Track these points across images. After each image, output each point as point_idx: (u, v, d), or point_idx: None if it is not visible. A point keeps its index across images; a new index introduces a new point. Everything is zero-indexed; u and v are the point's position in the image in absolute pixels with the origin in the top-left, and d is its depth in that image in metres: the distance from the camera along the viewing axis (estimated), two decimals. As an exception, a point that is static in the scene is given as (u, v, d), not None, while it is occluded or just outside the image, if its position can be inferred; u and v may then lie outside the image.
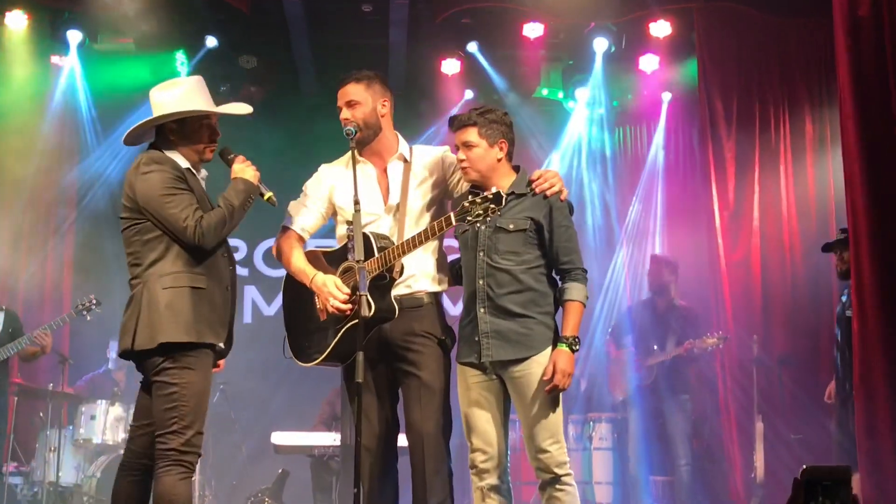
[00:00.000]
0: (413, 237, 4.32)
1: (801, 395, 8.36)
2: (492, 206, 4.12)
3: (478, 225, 4.36)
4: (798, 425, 8.37)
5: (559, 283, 4.53)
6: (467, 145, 4.45)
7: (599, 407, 8.99)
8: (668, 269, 8.74)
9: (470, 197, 4.24)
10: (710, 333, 8.41)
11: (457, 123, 4.48)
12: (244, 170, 4.46)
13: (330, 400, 9.36)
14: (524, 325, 4.42)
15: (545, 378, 4.35)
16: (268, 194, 4.49)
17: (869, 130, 6.47)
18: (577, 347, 4.39)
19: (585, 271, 4.52)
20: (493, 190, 4.16)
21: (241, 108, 4.59)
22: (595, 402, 9.17)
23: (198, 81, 4.48)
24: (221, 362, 4.63)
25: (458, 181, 4.69)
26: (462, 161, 4.46)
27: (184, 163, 4.37)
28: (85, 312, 8.08)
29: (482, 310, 4.46)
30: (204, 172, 4.51)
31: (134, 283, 4.30)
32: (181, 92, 4.38)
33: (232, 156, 4.52)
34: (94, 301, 8.08)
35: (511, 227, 4.45)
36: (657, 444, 8.49)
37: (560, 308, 4.50)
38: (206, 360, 4.26)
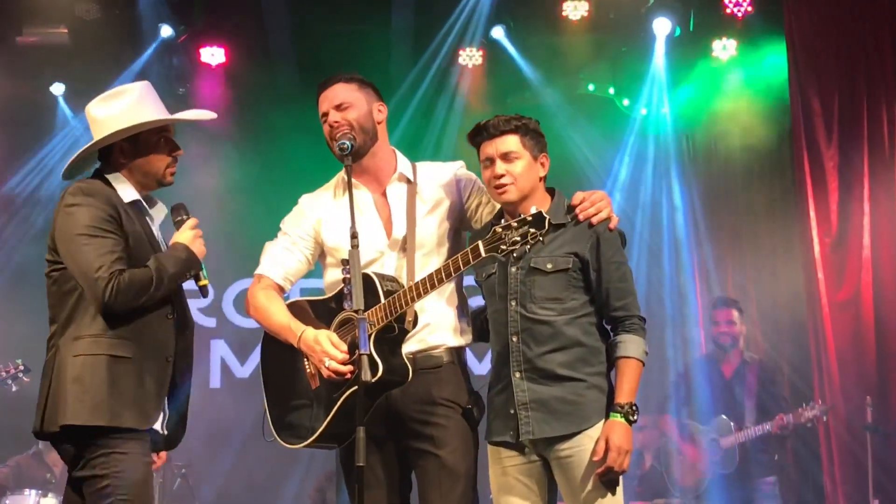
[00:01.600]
0: (429, 276, 4.29)
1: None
2: (531, 230, 4.08)
3: (509, 264, 4.35)
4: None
5: (611, 334, 4.52)
6: (508, 157, 4.42)
7: (669, 491, 8.93)
8: (740, 316, 8.71)
9: (503, 221, 4.22)
10: (810, 404, 8.34)
11: (491, 131, 4.45)
12: (192, 240, 4.45)
13: (319, 487, 9.35)
14: (573, 392, 4.39)
15: (596, 458, 4.32)
16: (203, 280, 4.50)
17: None
18: (635, 418, 4.36)
19: (643, 319, 4.49)
20: (533, 210, 4.12)
21: (202, 114, 4.62)
22: (664, 485, 9.10)
23: (145, 87, 4.51)
24: (163, 454, 4.62)
25: (478, 206, 4.70)
26: (500, 177, 4.41)
27: (131, 194, 4.37)
28: (10, 382, 8.08)
29: (518, 374, 4.42)
30: (161, 209, 4.52)
31: (49, 345, 4.31)
32: (128, 102, 4.40)
33: (184, 217, 4.52)
34: (22, 367, 8.09)
35: (549, 266, 4.42)
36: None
37: (613, 364, 4.47)
38: (137, 445, 4.22)
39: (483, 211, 4.69)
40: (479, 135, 4.48)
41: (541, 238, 4.10)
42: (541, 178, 4.50)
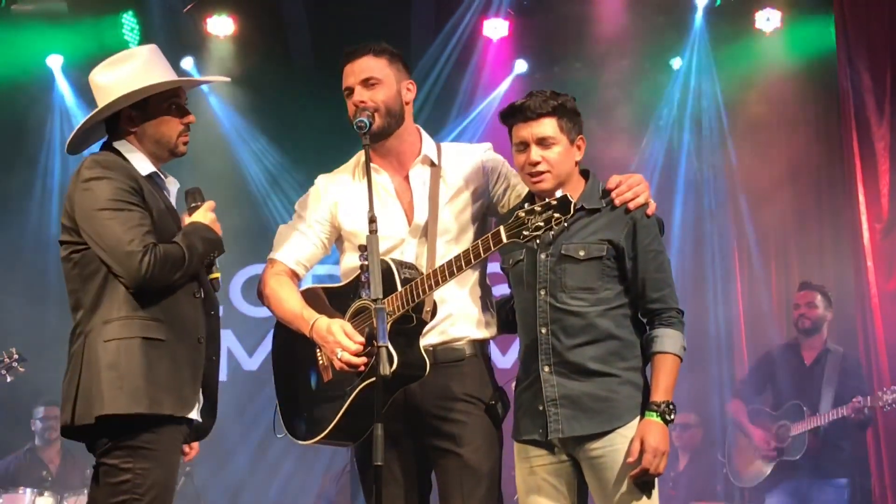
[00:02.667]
0: (448, 262, 4.29)
1: None
2: (556, 215, 4.06)
3: (537, 250, 4.35)
4: None
5: (647, 328, 4.51)
6: (545, 143, 4.39)
7: (709, 493, 8.92)
8: (824, 301, 8.66)
9: (526, 205, 4.22)
10: (887, 388, 8.29)
11: (528, 113, 4.41)
12: (213, 224, 4.44)
13: (323, 492, 9.39)
14: (606, 388, 4.38)
15: (631, 459, 4.30)
16: (216, 273, 4.50)
17: None
18: (672, 417, 4.34)
19: (682, 312, 4.48)
20: (558, 194, 4.10)
21: (214, 77, 4.63)
22: (702, 487, 9.09)
23: (153, 51, 4.48)
24: (195, 444, 4.62)
25: (505, 191, 4.69)
26: (536, 164, 4.39)
27: (147, 167, 4.35)
28: (4, 372, 8.12)
29: (547, 368, 4.42)
30: (174, 183, 4.50)
31: (75, 333, 4.27)
32: (134, 67, 4.37)
33: (199, 203, 4.50)
34: (17, 357, 8.12)
35: (582, 254, 4.40)
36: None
37: (648, 359, 4.46)
38: (170, 438, 4.23)
39: (511, 195, 4.68)
40: (514, 116, 4.44)
41: (565, 223, 4.09)
42: (576, 163, 4.49)
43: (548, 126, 4.38)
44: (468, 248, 4.28)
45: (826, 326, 8.60)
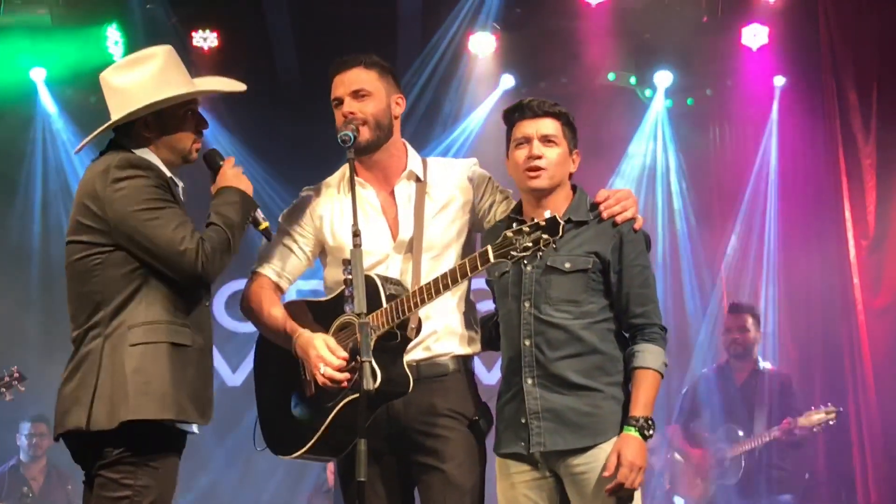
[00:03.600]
0: (434, 280, 4.28)
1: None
2: (544, 236, 4.06)
3: (523, 263, 4.35)
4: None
5: (629, 342, 4.50)
6: (547, 139, 4.43)
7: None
8: (754, 320, 8.72)
9: (514, 225, 4.22)
10: (815, 407, 8.35)
11: (535, 110, 4.44)
12: (239, 178, 4.42)
13: (314, 502, 9.39)
14: (589, 402, 4.38)
15: (607, 473, 4.30)
16: (264, 224, 4.49)
17: None
18: (651, 433, 4.35)
19: (665, 329, 4.48)
20: (547, 214, 4.11)
21: (232, 84, 4.60)
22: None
23: (169, 53, 4.41)
24: None
25: (491, 206, 4.69)
26: (536, 158, 4.41)
27: (164, 168, 4.31)
28: (4, 390, 8.08)
29: (530, 380, 4.42)
30: (180, 182, 4.44)
31: (90, 335, 4.19)
32: (152, 71, 4.30)
33: (222, 161, 4.49)
34: (18, 375, 8.09)
35: (567, 266, 4.41)
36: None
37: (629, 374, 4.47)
38: (174, 457, 4.22)
39: (497, 210, 4.68)
40: (519, 112, 4.48)
41: (554, 245, 4.09)
42: (571, 174, 4.52)
43: (552, 125, 4.43)
44: (455, 267, 4.28)
45: (756, 348, 8.65)
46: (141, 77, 4.29)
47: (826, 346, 9.28)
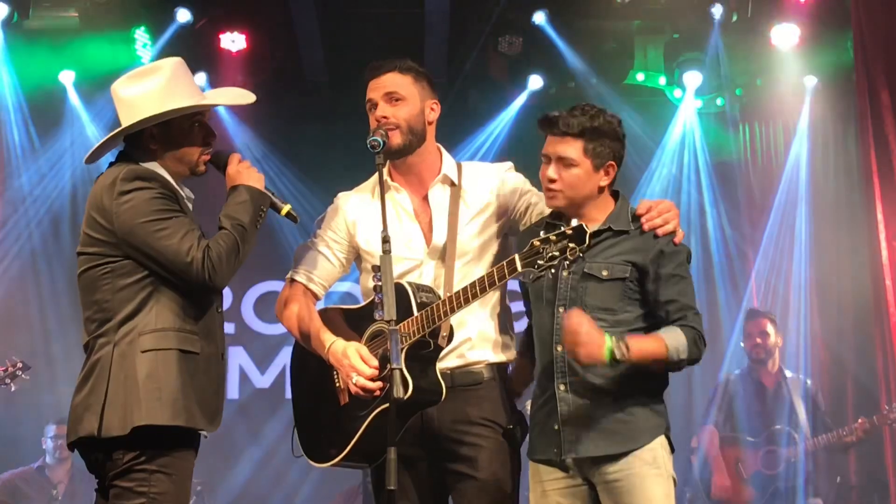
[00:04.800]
0: (465, 288, 4.29)
1: None
2: (571, 245, 4.06)
3: (560, 268, 4.32)
4: None
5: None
6: (564, 162, 4.37)
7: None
8: (774, 327, 8.73)
9: (542, 233, 4.19)
10: (893, 405, 8.32)
11: (561, 128, 4.37)
12: (246, 173, 4.42)
13: (346, 499, 9.39)
14: (622, 409, 4.38)
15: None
16: (285, 207, 4.48)
17: None
18: (624, 356, 4.16)
19: (702, 337, 4.38)
20: (574, 223, 4.10)
21: (242, 96, 4.61)
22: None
23: (179, 65, 4.44)
24: None
25: (527, 209, 4.67)
26: (551, 182, 4.39)
27: (170, 179, 4.32)
28: (8, 381, 8.11)
29: (562, 387, 4.41)
30: (188, 192, 4.45)
31: (99, 342, 4.22)
32: (159, 82, 4.33)
33: (225, 156, 4.48)
34: (21, 365, 8.12)
35: (605, 273, 4.39)
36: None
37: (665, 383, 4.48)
38: (188, 461, 4.22)
39: (532, 212, 4.67)
40: (545, 126, 4.43)
41: (581, 254, 4.09)
42: (601, 188, 4.45)
43: (572, 148, 4.35)
44: (484, 276, 4.28)
45: (777, 352, 8.64)
46: (148, 89, 4.32)
47: (858, 350, 9.24)
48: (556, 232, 4.10)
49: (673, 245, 4.42)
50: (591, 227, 4.28)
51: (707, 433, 8.86)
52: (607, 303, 4.40)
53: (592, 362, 4.21)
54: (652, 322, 4.42)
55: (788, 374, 8.75)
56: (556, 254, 4.07)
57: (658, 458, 4.36)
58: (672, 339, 4.29)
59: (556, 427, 4.41)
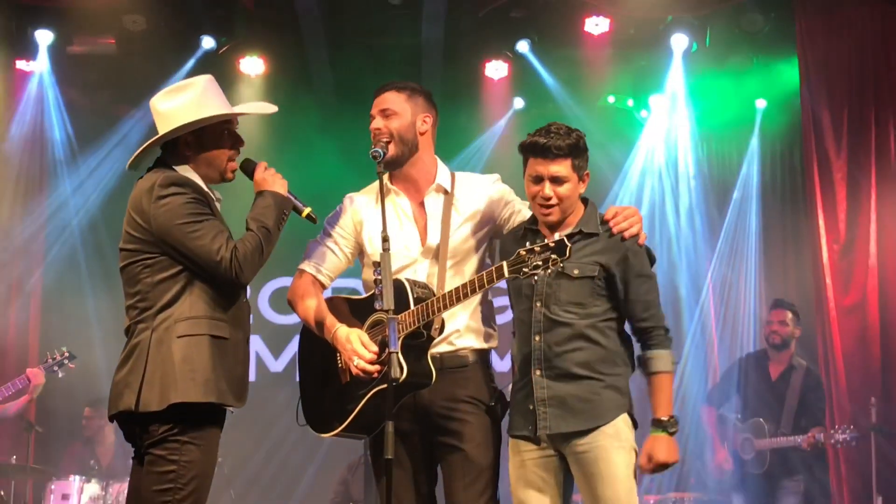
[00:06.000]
0: (457, 289, 4.33)
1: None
2: (553, 256, 4.11)
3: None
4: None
5: (637, 344, 4.54)
6: (558, 180, 4.40)
7: (684, 485, 8.91)
8: (794, 318, 8.66)
9: (528, 244, 4.24)
10: (839, 427, 8.29)
11: (553, 152, 4.36)
12: (270, 180, 4.44)
13: (343, 479, 9.37)
14: (590, 390, 4.41)
15: (643, 471, 4.40)
16: (306, 210, 4.49)
17: None
18: (675, 429, 4.41)
19: (668, 330, 4.52)
20: (556, 236, 4.17)
21: (265, 107, 4.63)
22: (685, 479, 9.09)
23: (209, 81, 4.47)
24: None
25: (511, 216, 4.71)
26: (548, 199, 4.40)
27: (202, 183, 4.36)
28: (56, 368, 8.14)
29: (538, 372, 4.45)
30: (217, 195, 4.49)
31: (139, 328, 4.26)
32: (192, 96, 4.36)
33: (253, 164, 4.51)
34: (67, 355, 8.14)
35: (576, 272, 4.42)
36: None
37: (645, 378, 4.51)
38: (215, 435, 4.26)
39: (516, 219, 4.70)
40: (533, 152, 4.42)
41: (561, 265, 4.15)
42: (580, 195, 4.52)
43: (562, 167, 4.39)
44: (474, 279, 4.33)
45: (794, 342, 8.60)
46: (182, 102, 4.35)
47: (803, 340, 9.23)
48: (541, 244, 4.15)
49: (637, 247, 4.46)
50: (564, 231, 4.40)
51: (705, 412, 8.90)
52: (578, 298, 4.44)
53: (675, 459, 4.41)
54: (620, 314, 4.49)
55: (802, 362, 8.63)
56: (539, 263, 4.12)
57: (620, 433, 4.40)
58: (666, 364, 4.47)
59: (532, 407, 4.45)
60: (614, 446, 4.37)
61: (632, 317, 4.49)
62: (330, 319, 4.56)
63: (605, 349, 4.44)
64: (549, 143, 4.38)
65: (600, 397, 4.41)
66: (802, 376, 8.49)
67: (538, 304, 4.45)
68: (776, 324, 8.59)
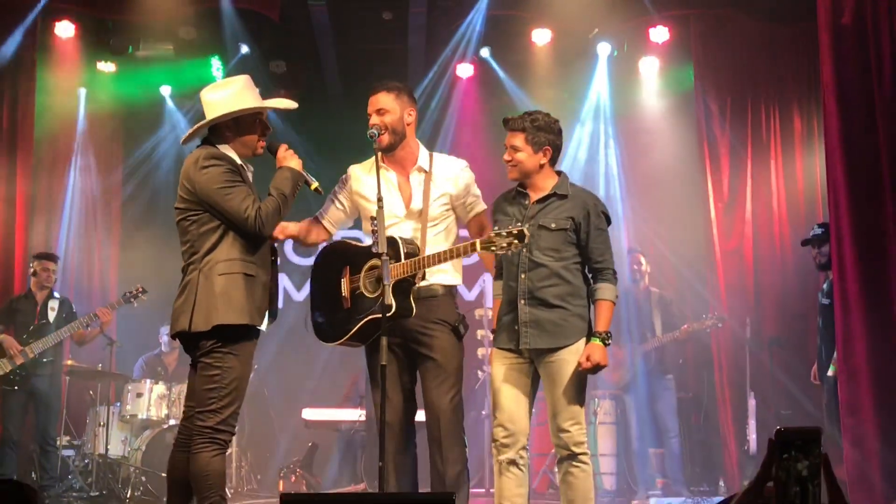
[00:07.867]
0: (438, 254, 4.37)
1: (791, 374, 8.41)
2: (515, 241, 4.17)
3: (524, 221, 4.43)
4: (787, 402, 8.42)
5: (591, 280, 4.59)
6: (514, 148, 4.52)
7: (603, 385, 9.06)
8: (645, 259, 8.90)
9: (496, 228, 4.32)
10: (707, 315, 8.48)
11: (509, 126, 4.55)
12: (289, 158, 4.47)
13: (354, 380, 9.45)
14: (561, 317, 4.47)
15: (581, 369, 4.42)
16: (314, 184, 4.50)
17: (850, 130, 6.52)
18: (609, 342, 4.47)
19: (615, 272, 4.58)
20: (518, 227, 4.20)
21: (288, 104, 4.65)
22: (599, 382, 9.25)
23: (247, 80, 4.49)
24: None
25: (468, 203, 4.78)
26: (508, 161, 4.54)
27: (237, 158, 4.39)
28: (133, 300, 8.20)
29: (523, 301, 4.51)
30: (250, 167, 4.52)
31: (190, 268, 4.30)
32: (234, 91, 4.38)
33: (277, 145, 4.53)
34: (141, 290, 8.20)
35: (553, 225, 4.50)
36: (651, 420, 8.58)
37: (592, 303, 4.56)
38: (250, 347, 4.31)
39: (476, 208, 4.79)
40: (504, 125, 4.59)
41: (522, 248, 4.22)
42: (541, 165, 4.55)
43: (517, 138, 4.51)
44: (453, 248, 4.40)
45: (646, 277, 8.81)
46: (224, 95, 4.37)
47: (694, 275, 9.35)
48: (507, 230, 4.19)
49: (598, 208, 4.55)
50: (541, 194, 4.49)
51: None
52: (555, 245, 4.50)
53: (606, 362, 4.42)
54: (583, 259, 4.55)
55: (654, 289, 8.84)
56: (504, 245, 4.17)
57: (580, 351, 4.47)
58: (610, 294, 4.50)
59: (516, 328, 4.51)
60: (574, 361, 4.45)
61: (589, 259, 4.53)
62: (300, 224, 4.81)
63: (572, 285, 4.50)
64: (510, 120, 4.55)
65: (568, 323, 4.47)
66: (658, 299, 8.72)
67: (524, 251, 4.49)
68: (634, 264, 8.82)
